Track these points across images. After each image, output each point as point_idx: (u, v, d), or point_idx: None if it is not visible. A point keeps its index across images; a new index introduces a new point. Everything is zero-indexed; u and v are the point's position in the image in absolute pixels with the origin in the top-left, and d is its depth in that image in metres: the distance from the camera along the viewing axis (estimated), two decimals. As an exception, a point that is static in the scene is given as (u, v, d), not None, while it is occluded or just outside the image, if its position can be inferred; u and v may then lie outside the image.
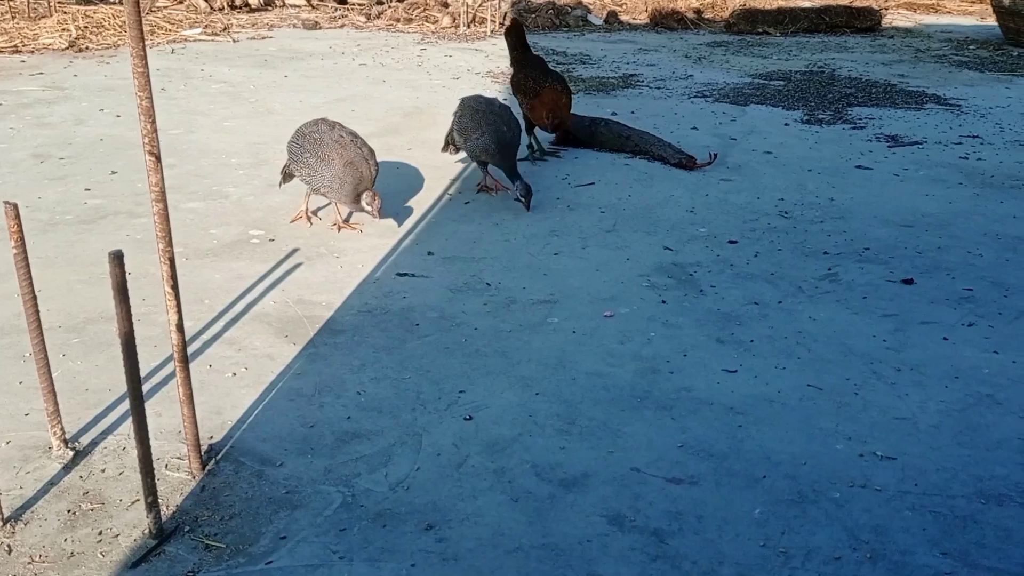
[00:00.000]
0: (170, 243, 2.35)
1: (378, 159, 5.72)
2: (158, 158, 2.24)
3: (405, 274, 4.03)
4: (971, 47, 10.73)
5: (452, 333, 3.50)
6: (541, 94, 5.76)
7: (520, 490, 2.59)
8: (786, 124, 6.90)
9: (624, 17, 12.64)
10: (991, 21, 11.77)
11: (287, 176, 4.59)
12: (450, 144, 5.28)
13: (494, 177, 5.18)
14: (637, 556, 2.34)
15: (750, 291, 3.95)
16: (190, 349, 3.27)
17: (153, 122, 2.22)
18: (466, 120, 4.98)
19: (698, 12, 12.60)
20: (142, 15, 9.56)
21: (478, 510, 2.49)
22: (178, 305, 2.41)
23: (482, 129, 4.86)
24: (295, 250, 4.25)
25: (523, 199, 4.80)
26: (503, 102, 5.13)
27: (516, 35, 6.27)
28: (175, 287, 2.38)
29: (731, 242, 4.51)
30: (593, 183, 5.39)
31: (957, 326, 3.62)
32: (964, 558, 2.34)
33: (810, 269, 4.20)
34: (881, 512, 2.51)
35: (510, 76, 6.23)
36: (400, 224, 4.63)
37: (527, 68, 5.99)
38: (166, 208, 2.31)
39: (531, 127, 5.90)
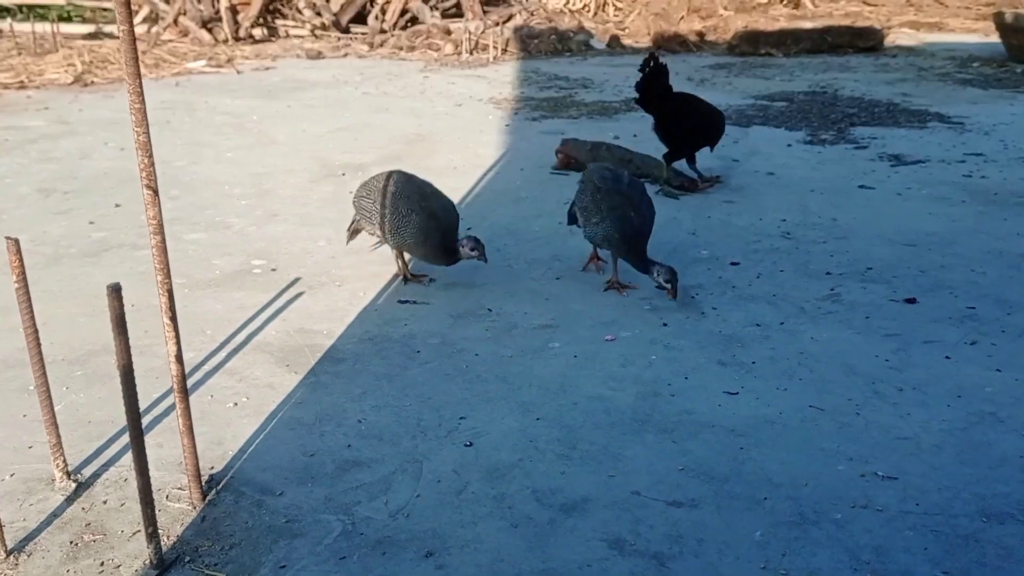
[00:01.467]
0: (168, 275, 2.38)
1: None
2: (156, 192, 2.27)
3: (406, 301, 4.05)
4: (974, 65, 10.75)
5: (453, 359, 3.51)
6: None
7: (520, 515, 2.58)
8: (789, 145, 6.92)
9: (627, 41, 12.73)
10: (994, 38, 11.80)
11: (355, 233, 4.34)
12: (573, 221, 4.42)
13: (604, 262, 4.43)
14: (637, 581, 2.33)
15: (752, 313, 3.95)
16: (191, 380, 3.29)
17: (150, 156, 2.25)
18: (586, 199, 4.16)
19: (700, 35, 12.69)
20: (148, 48, 9.62)
21: (478, 536, 2.49)
22: (177, 336, 2.43)
23: (603, 213, 4.05)
24: (297, 279, 4.28)
25: (667, 285, 3.94)
26: (634, 178, 4.28)
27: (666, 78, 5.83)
28: (174, 318, 2.40)
29: (733, 264, 4.52)
30: (595, 207, 5.41)
31: (960, 344, 3.61)
32: (967, 578, 2.32)
33: (812, 290, 4.20)
34: (882, 532, 2.50)
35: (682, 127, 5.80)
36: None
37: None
38: (164, 241, 2.34)
39: (693, 160, 5.82)
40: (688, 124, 5.78)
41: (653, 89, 5.75)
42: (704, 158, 6.49)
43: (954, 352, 3.55)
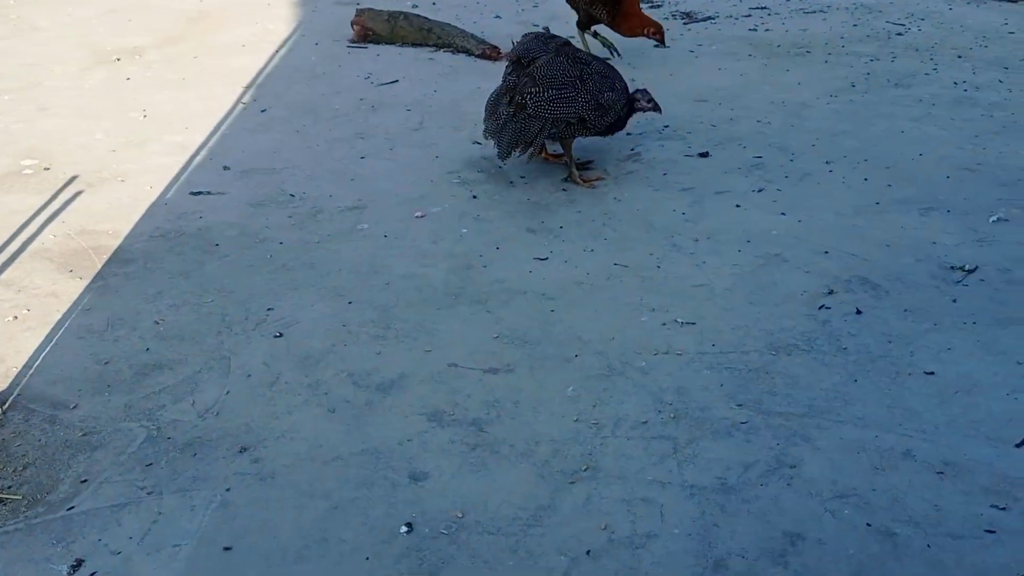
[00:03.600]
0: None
1: (161, 70, 5.33)
2: None
3: (199, 192, 3.80)
4: (758, -79, 11.02)
5: (255, 250, 3.35)
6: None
7: (337, 400, 2.55)
8: (587, 7, 6.90)
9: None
10: None
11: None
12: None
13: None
14: (457, 448, 2.37)
15: (557, 179, 3.98)
16: (-41, 296, 2.98)
17: None
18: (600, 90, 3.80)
19: None
20: None
21: (293, 426, 2.44)
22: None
23: (616, 89, 3.85)
24: (74, 178, 3.91)
25: (649, 105, 3.95)
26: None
27: None
28: (-85, 230, 2.13)
29: (538, 130, 4.52)
30: (397, 81, 5.24)
31: (748, 192, 3.81)
32: (757, 407, 2.51)
33: (614, 151, 4.28)
34: (682, 375, 2.65)
35: None
36: (190, 138, 4.34)
37: None
38: None
39: (587, 24, 5.45)
40: None
41: None
42: (505, 25, 6.38)
43: (743, 200, 3.74)
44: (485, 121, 3.92)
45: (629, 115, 3.98)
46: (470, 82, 5.22)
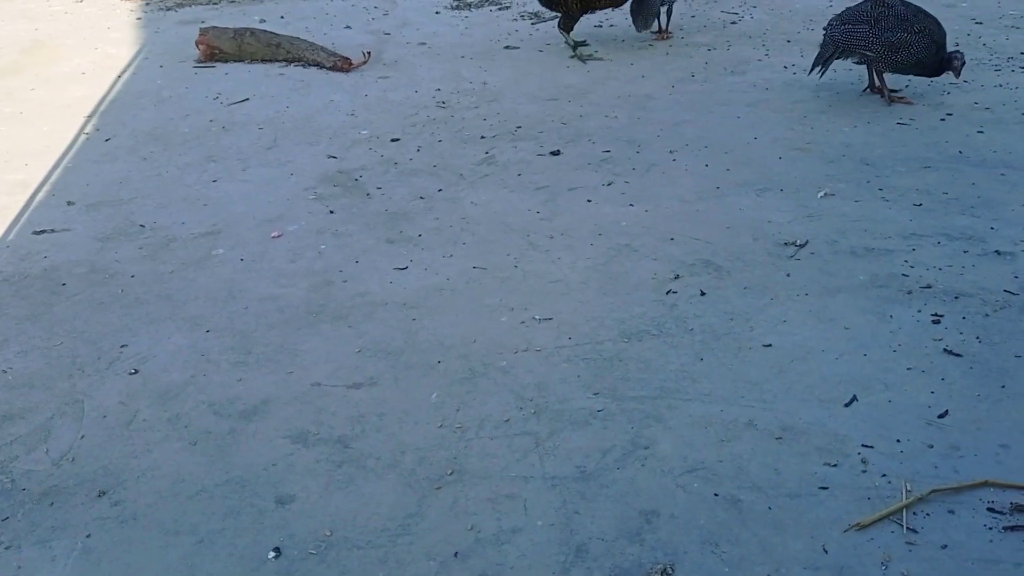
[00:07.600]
0: None
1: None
2: None
3: (43, 231, 3.67)
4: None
5: (106, 286, 3.27)
6: None
7: (198, 432, 2.53)
8: (437, 12, 6.97)
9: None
10: None
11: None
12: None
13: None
14: (323, 467, 2.40)
15: (415, 187, 4.03)
16: None
17: None
18: (891, 27, 4.49)
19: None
20: None
21: (154, 464, 2.41)
22: None
23: (915, 30, 4.47)
24: (-96, 227, 3.72)
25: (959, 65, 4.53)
26: None
27: None
28: None
29: (393, 140, 4.56)
30: (248, 99, 5.17)
31: (598, 187, 3.95)
32: (612, 394, 2.63)
33: (469, 155, 4.35)
34: (542, 370, 2.75)
35: None
36: (30, 175, 4.18)
37: None
38: None
39: (570, 25, 5.78)
40: None
41: None
42: (356, 34, 6.38)
43: (594, 195, 3.88)
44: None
45: (942, 65, 4.53)
46: (323, 95, 5.21)
